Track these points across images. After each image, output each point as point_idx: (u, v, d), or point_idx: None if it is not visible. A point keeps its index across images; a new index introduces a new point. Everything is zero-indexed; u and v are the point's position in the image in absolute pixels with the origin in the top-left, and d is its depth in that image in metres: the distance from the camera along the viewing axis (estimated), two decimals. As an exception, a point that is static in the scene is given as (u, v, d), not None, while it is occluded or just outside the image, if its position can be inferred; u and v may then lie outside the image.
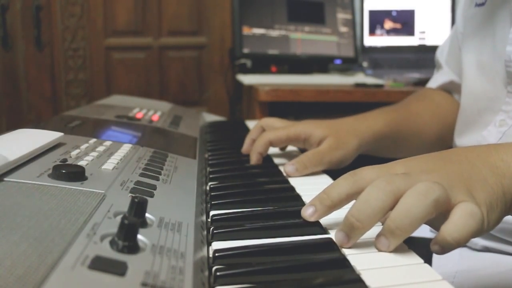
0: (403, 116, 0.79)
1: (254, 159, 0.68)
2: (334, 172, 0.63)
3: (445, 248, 0.37)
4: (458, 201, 0.38)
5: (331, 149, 0.66)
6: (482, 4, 0.70)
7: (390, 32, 1.93)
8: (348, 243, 0.39)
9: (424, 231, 0.73)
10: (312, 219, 0.43)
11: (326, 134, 0.68)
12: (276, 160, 0.72)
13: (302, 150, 0.72)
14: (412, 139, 0.80)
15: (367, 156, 0.74)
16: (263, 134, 0.69)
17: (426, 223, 0.38)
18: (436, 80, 0.86)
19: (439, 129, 0.82)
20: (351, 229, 0.38)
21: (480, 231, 0.37)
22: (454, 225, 0.36)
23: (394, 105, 0.83)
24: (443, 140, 0.83)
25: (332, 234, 0.43)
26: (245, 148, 0.73)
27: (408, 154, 0.46)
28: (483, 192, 0.40)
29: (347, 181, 0.42)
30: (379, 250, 0.39)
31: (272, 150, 0.77)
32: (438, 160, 0.44)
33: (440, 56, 0.86)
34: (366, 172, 0.42)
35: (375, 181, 0.39)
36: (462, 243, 0.36)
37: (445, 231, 0.36)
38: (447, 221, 0.37)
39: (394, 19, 1.92)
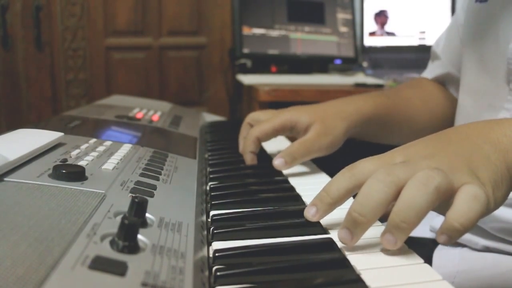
0: (393, 101, 0.77)
1: (248, 160, 0.68)
2: (334, 170, 0.63)
3: (453, 235, 0.36)
4: (461, 183, 0.37)
5: (319, 136, 0.65)
6: (484, 1, 0.69)
7: (390, 32, 1.93)
8: (352, 240, 0.38)
9: (424, 231, 0.73)
10: (314, 219, 0.43)
11: (313, 120, 0.66)
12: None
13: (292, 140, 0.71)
14: (402, 125, 0.78)
15: (361, 147, 0.73)
16: (250, 132, 0.68)
17: (432, 210, 0.38)
18: (432, 71, 0.86)
19: (429, 118, 0.81)
20: (354, 225, 0.38)
21: (486, 212, 0.37)
22: (459, 211, 0.35)
23: (384, 90, 0.82)
24: (433, 129, 0.82)
25: (332, 234, 0.43)
26: (240, 148, 0.72)
27: (398, 140, 0.45)
28: (487, 170, 0.39)
29: (345, 176, 0.41)
30: (387, 248, 0.38)
31: (272, 150, 0.77)
32: (437, 142, 0.43)
33: (436, 47, 0.86)
34: (364, 165, 0.41)
35: (374, 173, 0.38)
36: (469, 228, 0.36)
37: (451, 217, 0.36)
38: (451, 207, 0.36)
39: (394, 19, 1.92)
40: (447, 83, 0.84)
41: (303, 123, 0.66)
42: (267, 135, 0.68)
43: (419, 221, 0.36)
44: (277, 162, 0.63)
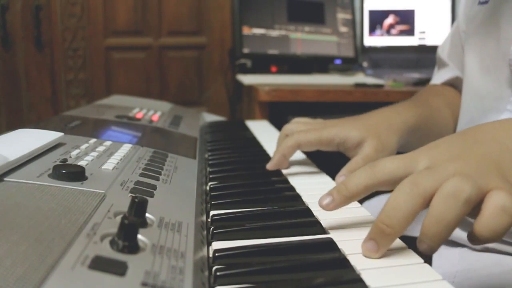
0: (428, 111, 0.76)
1: (274, 160, 0.63)
2: (334, 171, 0.63)
3: (480, 244, 0.36)
4: (490, 187, 0.36)
5: (377, 152, 0.62)
6: (485, 2, 0.69)
7: (390, 32, 1.93)
8: (377, 252, 0.37)
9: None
10: (328, 209, 0.42)
11: (365, 136, 0.62)
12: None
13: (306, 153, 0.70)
14: (435, 134, 0.77)
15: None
16: (293, 135, 0.63)
17: None
18: (441, 76, 0.86)
19: (455, 125, 0.81)
20: (381, 236, 0.37)
21: None
22: (487, 223, 0.34)
23: (413, 99, 0.80)
24: None
25: (332, 234, 0.43)
26: (273, 160, 0.65)
27: None
28: None
29: (366, 172, 0.41)
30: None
31: (271, 150, 0.77)
32: (463, 142, 0.42)
33: (442, 53, 0.86)
34: (385, 164, 0.41)
35: (399, 185, 0.37)
36: (498, 239, 0.35)
37: (479, 230, 0.35)
38: (478, 217, 0.35)
39: (394, 19, 1.92)
40: (458, 86, 0.84)
41: (353, 138, 0.62)
42: (310, 145, 0.63)
43: (450, 234, 0.36)
44: (340, 181, 0.59)
